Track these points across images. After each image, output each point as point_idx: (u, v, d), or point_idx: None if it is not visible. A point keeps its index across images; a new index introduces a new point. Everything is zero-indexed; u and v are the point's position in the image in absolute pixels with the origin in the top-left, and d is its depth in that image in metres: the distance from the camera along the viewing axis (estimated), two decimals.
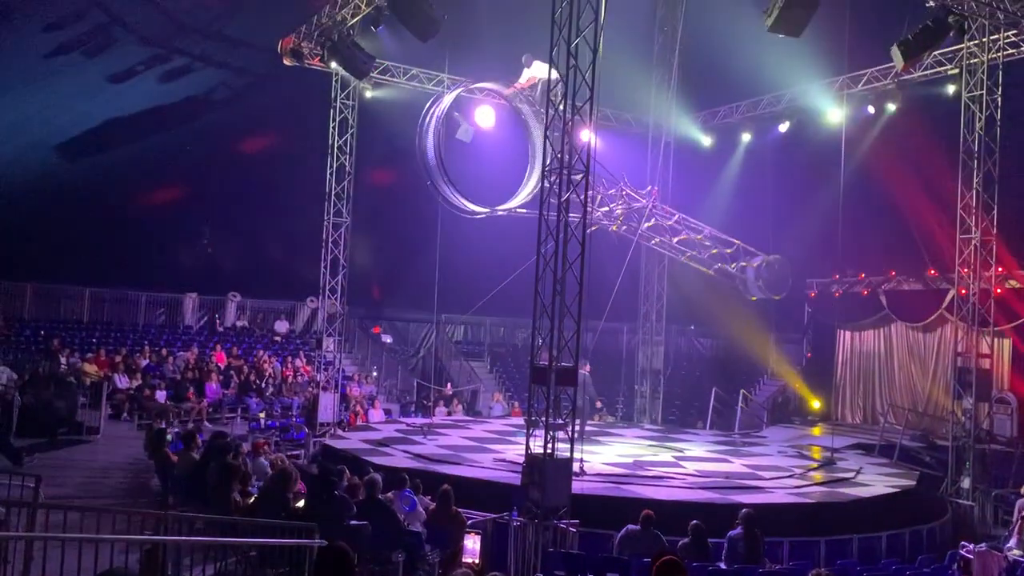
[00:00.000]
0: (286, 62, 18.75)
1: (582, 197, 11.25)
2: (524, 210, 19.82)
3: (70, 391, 16.24)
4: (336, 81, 19.57)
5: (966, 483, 15.52)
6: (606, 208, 20.76)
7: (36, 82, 19.60)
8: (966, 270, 16.20)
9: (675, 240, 22.04)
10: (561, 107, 11.20)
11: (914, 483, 15.73)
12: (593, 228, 19.76)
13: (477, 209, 19.57)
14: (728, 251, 21.93)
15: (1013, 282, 18.98)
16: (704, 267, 22.24)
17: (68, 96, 20.78)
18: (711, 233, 21.90)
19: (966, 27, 15.07)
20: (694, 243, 22.01)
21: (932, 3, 14.67)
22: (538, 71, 18.67)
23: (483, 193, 20.00)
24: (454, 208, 19.24)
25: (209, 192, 23.72)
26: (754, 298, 22.11)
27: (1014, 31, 15.94)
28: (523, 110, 20.23)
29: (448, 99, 19.21)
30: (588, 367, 18.76)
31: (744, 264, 21.63)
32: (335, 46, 17.66)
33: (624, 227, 21.23)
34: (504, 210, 20.02)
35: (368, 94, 20.36)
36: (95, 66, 19.71)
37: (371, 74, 19.25)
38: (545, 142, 11.54)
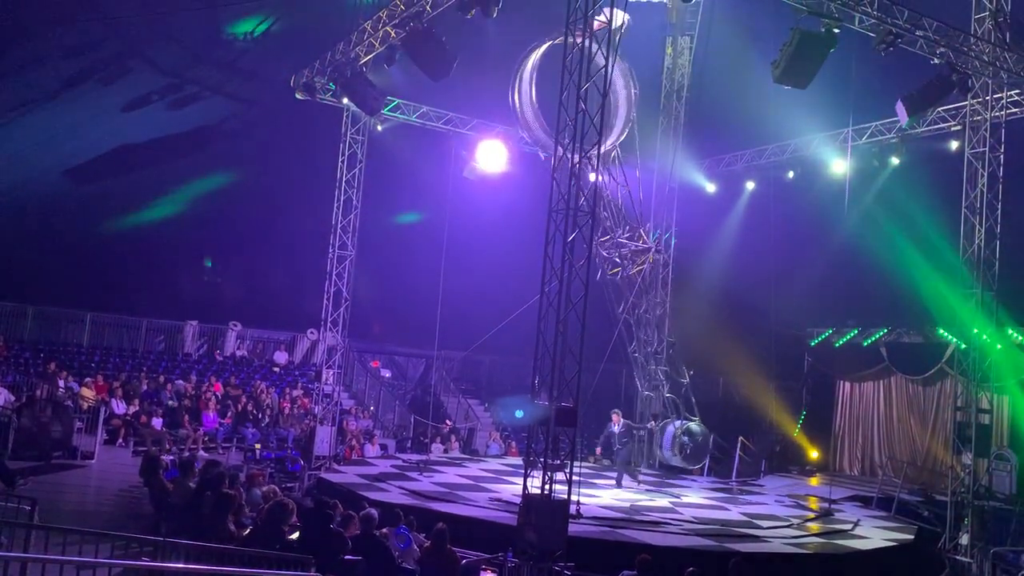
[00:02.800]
0: (298, 96, 19.00)
1: (587, 238, 11.33)
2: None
3: (67, 415, 16.19)
4: (347, 116, 19.80)
5: (964, 539, 15.37)
6: (606, 252, 20.85)
7: (51, 108, 19.87)
8: (966, 324, 16.21)
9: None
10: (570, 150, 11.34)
11: (912, 537, 15.60)
12: (612, 271, 19.96)
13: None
14: None
15: (1014, 336, 18.97)
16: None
17: (81, 122, 21.04)
18: None
19: (970, 85, 15.30)
20: None
21: (937, 60, 14.91)
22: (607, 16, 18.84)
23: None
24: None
25: (214, 221, 23.87)
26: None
27: (1017, 91, 16.17)
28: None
29: (538, 52, 18.97)
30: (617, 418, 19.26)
31: (666, 422, 20.81)
32: (347, 82, 17.90)
33: (627, 272, 21.29)
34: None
35: (379, 128, 20.59)
36: (110, 94, 20.00)
37: (381, 110, 19.49)
38: (552, 183, 11.65)
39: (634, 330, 21.62)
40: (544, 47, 18.81)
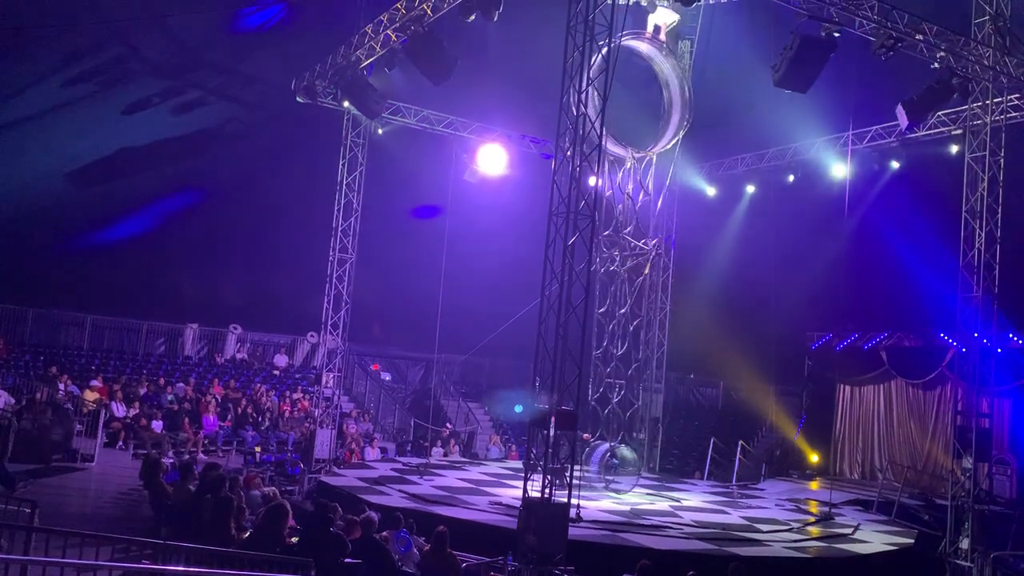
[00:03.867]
0: (299, 99, 19.02)
1: (587, 242, 11.35)
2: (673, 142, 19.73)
3: (67, 418, 16.19)
4: (347, 119, 19.83)
5: (965, 544, 15.34)
6: (606, 254, 20.86)
7: (53, 111, 19.89)
8: (967, 328, 16.21)
9: None
10: (569, 153, 11.36)
11: (912, 541, 15.59)
12: (601, 271, 19.97)
13: (623, 153, 19.56)
14: None
15: (1015, 339, 18.98)
16: None
17: (83, 125, 21.06)
18: None
19: (970, 89, 15.32)
20: None
21: (937, 65, 14.93)
22: (661, 17, 18.96)
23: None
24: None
25: (215, 224, 23.88)
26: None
27: (1017, 95, 16.19)
28: (652, 55, 19.78)
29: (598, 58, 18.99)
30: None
31: (598, 443, 19.48)
32: (349, 86, 17.92)
33: (627, 275, 21.29)
34: (653, 153, 19.96)
35: (380, 131, 20.61)
36: (111, 97, 20.03)
37: (383, 114, 19.51)
38: (553, 186, 11.67)
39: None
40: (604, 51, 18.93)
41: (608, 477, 18.38)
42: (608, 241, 20.72)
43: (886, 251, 20.78)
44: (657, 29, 19.25)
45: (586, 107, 11.29)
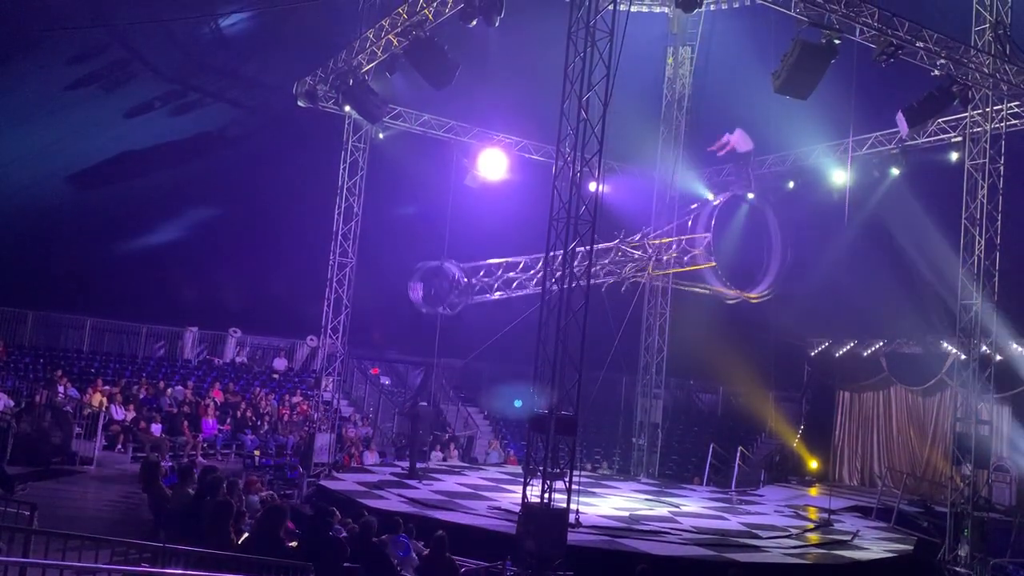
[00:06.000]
0: (300, 103, 19.03)
1: (587, 247, 11.36)
2: (762, 295, 21.63)
3: (66, 421, 16.19)
4: (349, 124, 19.85)
5: (964, 551, 15.34)
6: (607, 260, 20.91)
7: (54, 113, 19.90)
8: (967, 335, 16.22)
9: (686, 258, 22.27)
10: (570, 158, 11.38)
11: (911, 548, 15.57)
12: (599, 282, 20.05)
13: (730, 292, 21.30)
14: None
15: (1016, 347, 18.99)
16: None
17: (84, 128, 21.06)
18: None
19: (970, 96, 15.34)
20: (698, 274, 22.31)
21: (937, 72, 14.96)
22: (738, 142, 20.41)
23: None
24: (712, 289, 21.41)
25: (215, 227, 23.89)
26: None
27: (1017, 102, 16.21)
28: (756, 204, 21.67)
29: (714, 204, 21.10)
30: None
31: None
32: (350, 90, 17.95)
33: (629, 279, 21.35)
34: (755, 297, 21.73)
35: (380, 135, 20.63)
36: (112, 100, 20.02)
37: (384, 118, 19.54)
38: (553, 191, 11.68)
39: None
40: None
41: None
42: (608, 246, 20.78)
43: (886, 258, 20.78)
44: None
45: (587, 112, 11.31)
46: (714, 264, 21.26)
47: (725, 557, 12.90)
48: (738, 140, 20.92)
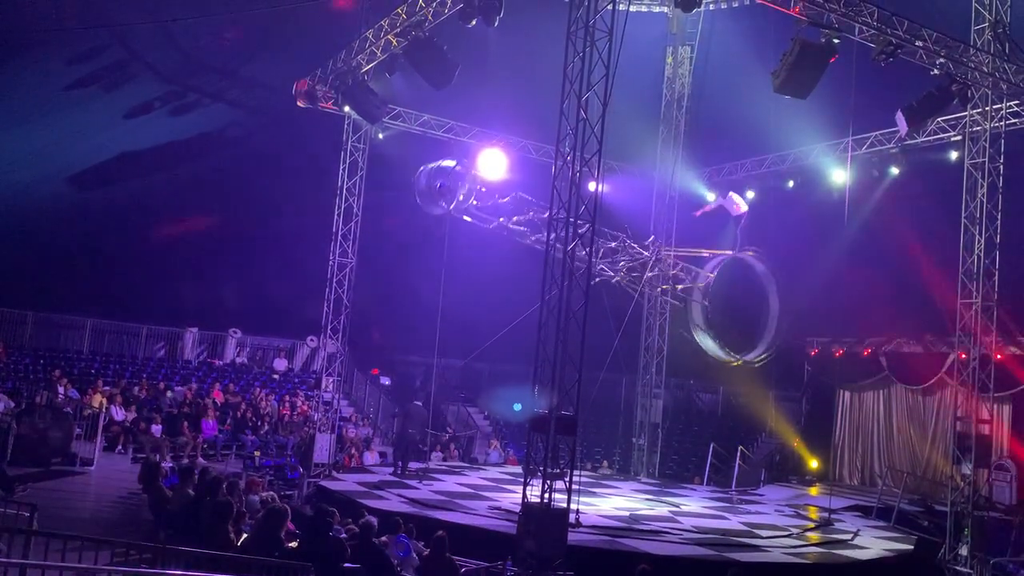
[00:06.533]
0: (300, 104, 19.02)
1: (587, 247, 11.36)
2: (762, 358, 21.57)
3: (66, 421, 16.19)
4: (348, 124, 19.84)
5: (964, 550, 15.34)
6: (609, 260, 20.89)
7: (54, 114, 19.90)
8: (967, 335, 16.22)
9: (679, 288, 22.20)
10: (569, 157, 11.38)
11: (912, 548, 15.58)
12: (596, 280, 20.00)
13: (725, 357, 21.38)
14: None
15: (1014, 348, 19.00)
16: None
17: (83, 129, 21.07)
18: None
19: (970, 96, 15.34)
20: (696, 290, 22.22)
21: (936, 71, 14.95)
22: (730, 205, 20.80)
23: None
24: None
25: (215, 228, 23.89)
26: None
27: (1016, 101, 16.21)
28: (759, 269, 21.49)
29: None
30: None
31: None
32: (349, 90, 17.94)
33: (628, 278, 21.33)
34: (752, 361, 21.65)
35: (380, 136, 20.62)
36: (112, 100, 20.03)
37: (383, 119, 19.53)
38: (553, 191, 11.68)
39: None
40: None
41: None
42: (608, 246, 20.76)
43: (885, 256, 20.78)
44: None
45: (586, 112, 11.32)
46: (706, 304, 21.39)
47: (726, 557, 12.90)
48: (729, 204, 21.06)
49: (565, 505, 10.83)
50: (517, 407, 22.58)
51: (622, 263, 21.22)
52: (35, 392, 17.96)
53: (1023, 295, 17.63)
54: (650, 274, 21.40)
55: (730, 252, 21.33)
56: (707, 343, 21.43)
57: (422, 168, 19.17)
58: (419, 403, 20.37)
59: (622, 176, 24.00)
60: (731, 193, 21.23)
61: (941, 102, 15.26)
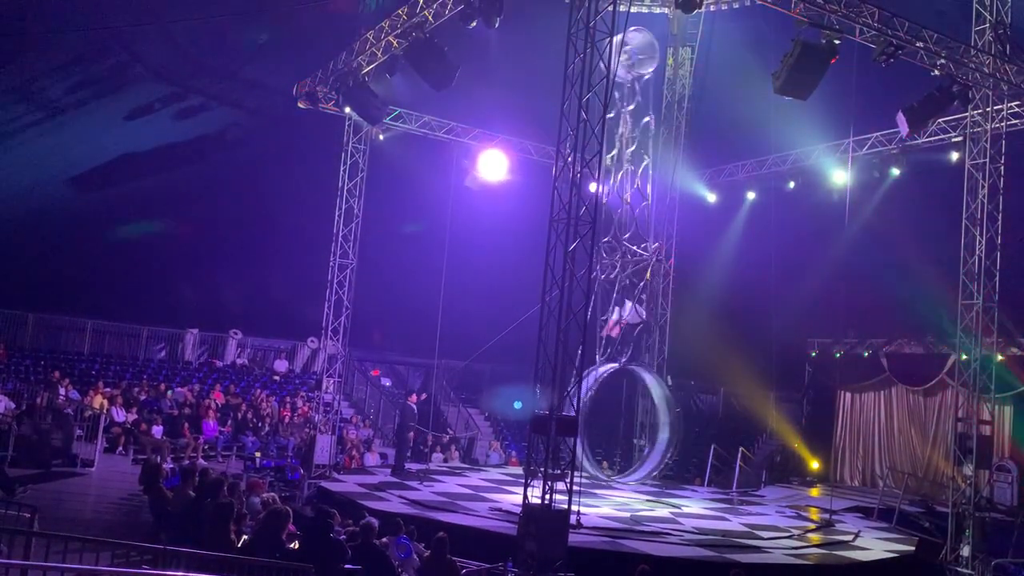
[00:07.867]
0: (300, 105, 19.05)
1: (588, 248, 11.37)
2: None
3: (67, 423, 16.17)
4: (349, 125, 19.85)
5: (966, 551, 15.31)
6: (607, 260, 20.89)
7: (56, 116, 19.92)
8: (968, 335, 16.21)
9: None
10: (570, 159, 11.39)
11: (913, 549, 15.55)
12: (602, 277, 20.05)
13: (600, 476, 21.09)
14: None
15: (1014, 349, 18.98)
16: None
17: (85, 130, 21.09)
18: None
19: (970, 96, 15.34)
20: None
21: (937, 72, 14.95)
22: (631, 316, 20.56)
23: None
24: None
25: (216, 229, 23.89)
26: None
27: (1017, 102, 16.21)
28: (647, 378, 21.98)
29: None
30: (415, 397, 20.31)
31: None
32: (350, 92, 17.95)
33: (627, 281, 21.32)
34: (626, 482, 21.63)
35: (381, 137, 20.62)
36: (113, 102, 20.06)
37: (384, 120, 19.54)
38: (554, 192, 11.68)
39: None
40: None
41: None
42: (609, 248, 20.76)
43: (887, 257, 20.78)
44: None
45: (587, 113, 11.32)
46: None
47: (726, 558, 12.89)
48: (630, 315, 20.81)
49: (566, 506, 10.83)
50: (518, 405, 22.60)
51: (630, 269, 21.23)
52: (36, 393, 17.93)
53: (1023, 295, 17.62)
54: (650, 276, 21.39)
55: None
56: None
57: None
58: (411, 401, 20.35)
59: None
60: (627, 301, 20.96)
61: (942, 103, 15.26)
